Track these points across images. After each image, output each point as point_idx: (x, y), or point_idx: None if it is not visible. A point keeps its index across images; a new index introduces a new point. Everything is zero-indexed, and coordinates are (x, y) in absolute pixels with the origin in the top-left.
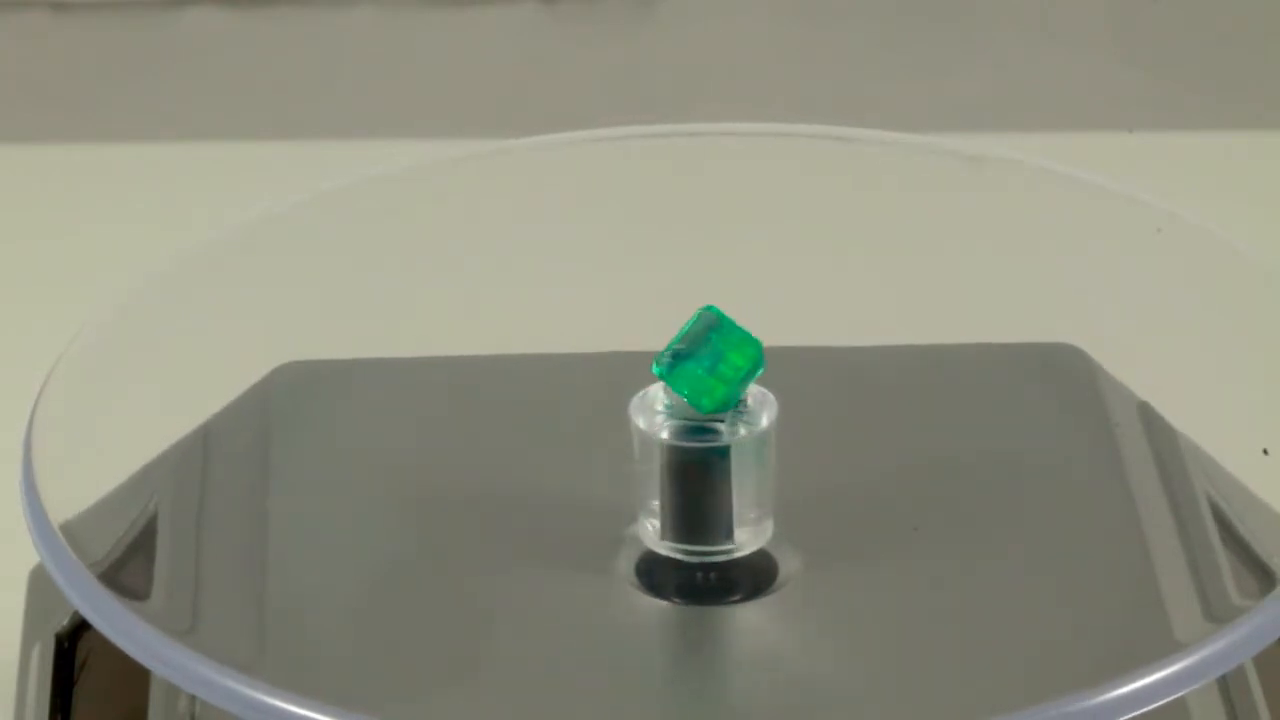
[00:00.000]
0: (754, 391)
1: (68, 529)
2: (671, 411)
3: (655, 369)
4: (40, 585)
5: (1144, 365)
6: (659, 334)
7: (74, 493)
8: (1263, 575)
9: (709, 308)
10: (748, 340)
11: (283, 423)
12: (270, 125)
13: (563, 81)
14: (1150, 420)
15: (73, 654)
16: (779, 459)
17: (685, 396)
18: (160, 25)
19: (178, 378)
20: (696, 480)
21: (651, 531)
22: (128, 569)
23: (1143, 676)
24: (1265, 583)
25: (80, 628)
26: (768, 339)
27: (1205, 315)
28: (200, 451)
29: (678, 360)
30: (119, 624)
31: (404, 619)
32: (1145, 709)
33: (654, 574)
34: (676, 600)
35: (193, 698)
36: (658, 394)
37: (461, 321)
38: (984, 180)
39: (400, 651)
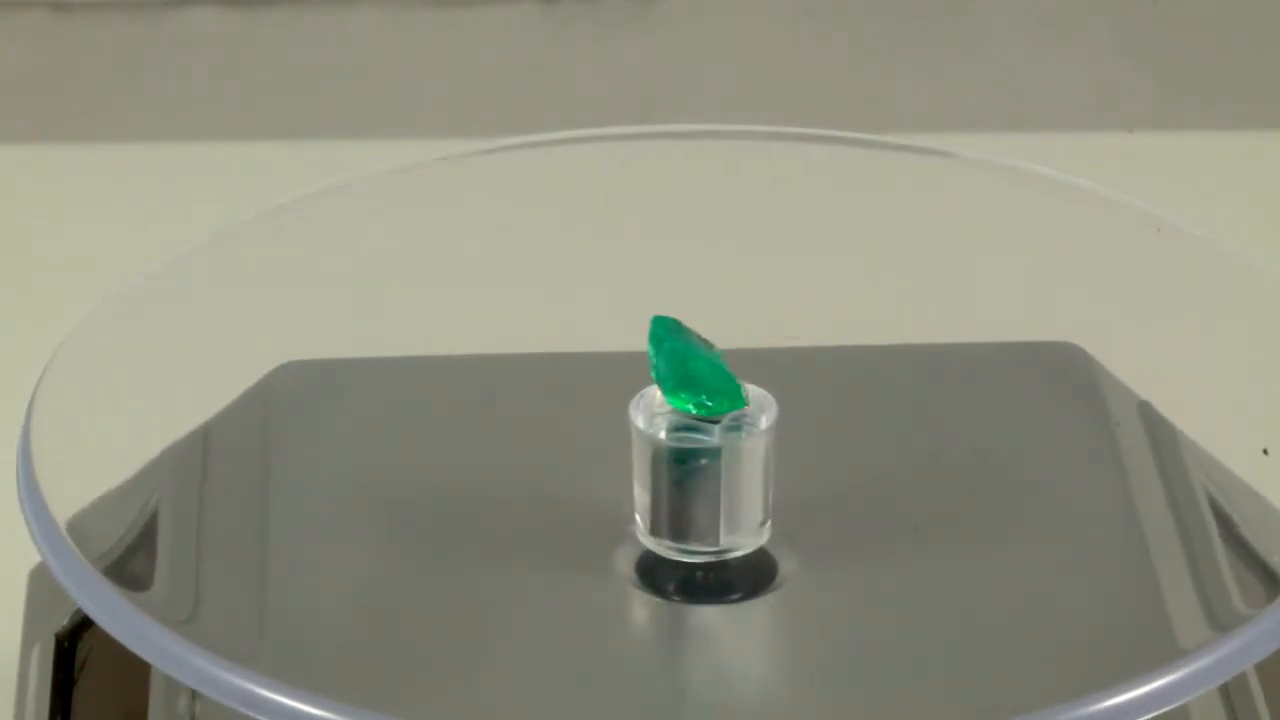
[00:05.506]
0: (754, 392)
1: (68, 526)
2: (671, 412)
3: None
4: (40, 585)
5: (1144, 365)
6: None
7: (73, 492)
8: (1263, 575)
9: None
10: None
11: (283, 423)
12: (270, 125)
13: (563, 81)
14: (1150, 420)
15: (73, 654)
16: (778, 459)
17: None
18: (160, 25)
19: (178, 378)
20: (696, 480)
21: (651, 531)
22: (128, 567)
23: (1143, 684)
24: (1266, 582)
25: (80, 628)
26: (767, 339)
27: (1205, 315)
28: (200, 451)
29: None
30: (121, 617)
31: (403, 616)
32: (1146, 716)
33: (653, 574)
34: (676, 600)
35: (192, 698)
36: (657, 394)
37: (461, 321)
38: (984, 181)
39: (399, 648)
